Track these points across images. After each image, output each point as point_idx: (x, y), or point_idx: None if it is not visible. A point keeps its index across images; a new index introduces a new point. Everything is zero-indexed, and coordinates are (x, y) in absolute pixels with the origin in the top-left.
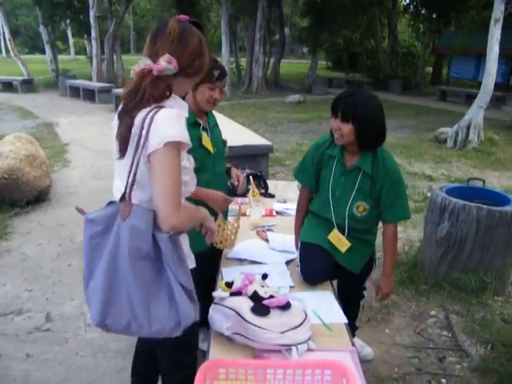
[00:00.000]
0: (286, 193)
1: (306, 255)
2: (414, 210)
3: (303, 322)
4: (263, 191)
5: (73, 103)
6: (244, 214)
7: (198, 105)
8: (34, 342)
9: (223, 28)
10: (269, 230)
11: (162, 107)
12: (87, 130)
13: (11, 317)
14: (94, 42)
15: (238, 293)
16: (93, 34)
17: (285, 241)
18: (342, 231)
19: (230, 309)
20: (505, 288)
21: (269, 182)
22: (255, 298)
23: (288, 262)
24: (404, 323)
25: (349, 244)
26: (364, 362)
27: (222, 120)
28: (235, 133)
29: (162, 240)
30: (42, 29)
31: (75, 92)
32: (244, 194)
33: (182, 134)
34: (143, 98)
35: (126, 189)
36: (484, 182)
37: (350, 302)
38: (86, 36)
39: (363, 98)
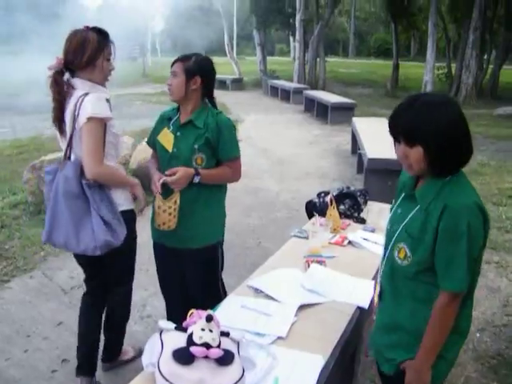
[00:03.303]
0: (379, 220)
1: None
2: None
3: None
4: (356, 214)
5: (270, 102)
6: (306, 238)
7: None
8: None
9: (430, 29)
10: (320, 261)
11: (87, 93)
12: (265, 129)
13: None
14: (297, 45)
15: (184, 328)
16: (297, 37)
17: (326, 279)
18: None
19: (162, 345)
20: None
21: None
22: (188, 341)
23: (305, 306)
24: None
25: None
26: None
27: (376, 129)
28: (384, 144)
29: (85, 185)
30: (254, 33)
31: (275, 92)
32: (324, 214)
33: (102, 112)
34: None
35: (65, 150)
36: None
37: None
38: (292, 39)
39: (429, 104)
